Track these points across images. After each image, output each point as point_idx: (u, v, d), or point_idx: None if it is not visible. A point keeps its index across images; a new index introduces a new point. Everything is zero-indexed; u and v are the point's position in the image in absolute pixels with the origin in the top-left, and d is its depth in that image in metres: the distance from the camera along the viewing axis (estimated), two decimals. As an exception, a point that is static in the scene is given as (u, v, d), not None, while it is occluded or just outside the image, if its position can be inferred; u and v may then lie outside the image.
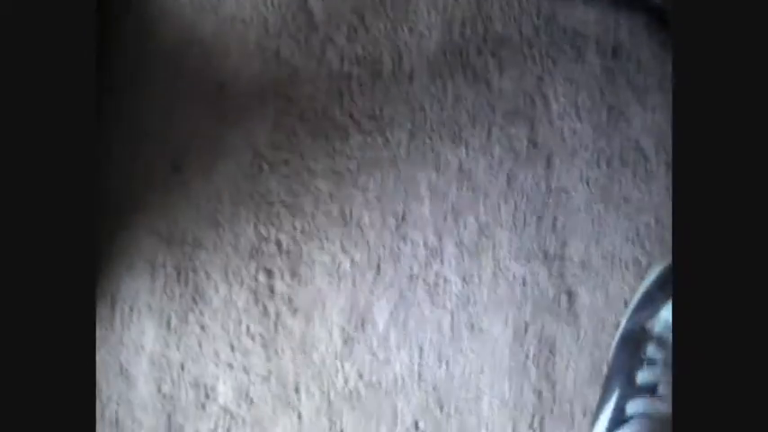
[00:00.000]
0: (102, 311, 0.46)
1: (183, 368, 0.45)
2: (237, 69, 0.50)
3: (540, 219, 0.45)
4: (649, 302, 0.40)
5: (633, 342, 0.39)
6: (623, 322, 0.41)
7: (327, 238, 0.46)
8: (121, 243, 0.48)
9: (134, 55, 0.51)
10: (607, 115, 0.46)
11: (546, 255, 0.44)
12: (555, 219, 0.45)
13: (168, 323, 0.46)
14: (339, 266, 0.46)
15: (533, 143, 0.46)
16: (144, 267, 0.47)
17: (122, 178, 0.49)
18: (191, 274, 0.47)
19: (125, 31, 0.51)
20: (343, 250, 0.46)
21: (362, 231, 0.46)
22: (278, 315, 0.45)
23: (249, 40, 0.50)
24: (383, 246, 0.45)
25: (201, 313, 0.46)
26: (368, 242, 0.46)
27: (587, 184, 0.45)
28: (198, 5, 0.51)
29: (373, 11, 0.49)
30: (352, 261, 0.46)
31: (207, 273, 0.46)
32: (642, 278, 0.42)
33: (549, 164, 0.45)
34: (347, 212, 0.46)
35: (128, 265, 0.47)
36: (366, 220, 0.46)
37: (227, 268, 0.46)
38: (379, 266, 0.45)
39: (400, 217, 0.46)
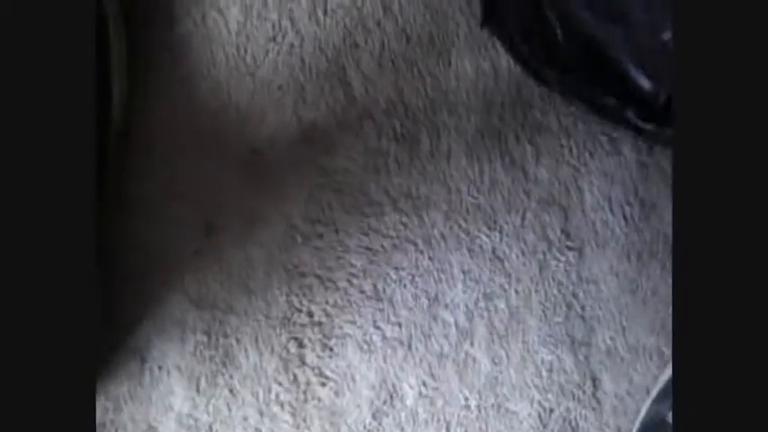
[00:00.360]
0: (131, 368, 0.63)
1: (211, 430, 0.62)
2: (273, 136, 0.68)
3: (569, 307, 0.63)
4: (670, 394, 0.57)
5: (652, 431, 0.57)
6: (644, 411, 0.58)
7: (360, 313, 0.64)
8: (151, 303, 0.65)
9: (167, 113, 0.69)
10: (639, 209, 0.65)
11: (573, 341, 0.62)
12: (583, 308, 0.63)
13: (197, 385, 0.63)
14: (370, 341, 0.63)
15: (566, 233, 0.64)
16: (174, 329, 0.64)
17: (155, 237, 0.67)
18: (221, 339, 0.64)
19: (157, 88, 0.69)
20: (375, 326, 0.64)
21: (395, 309, 0.64)
22: (308, 384, 0.62)
23: (286, 107, 0.69)
24: (415, 324, 0.63)
25: (231, 377, 0.63)
26: (400, 319, 0.63)
27: (617, 276, 0.63)
28: (234, 67, 0.70)
29: (413, 88, 0.68)
30: (384, 337, 0.63)
31: (237, 339, 0.64)
32: (664, 369, 0.60)
33: (580, 254, 0.64)
34: (380, 289, 0.64)
35: (157, 326, 0.64)
36: (399, 297, 0.64)
37: (257, 335, 0.64)
38: (410, 344, 0.63)
39: (433, 297, 0.64)
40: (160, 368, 0.65)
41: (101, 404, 0.66)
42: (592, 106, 0.63)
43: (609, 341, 0.63)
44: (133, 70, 0.71)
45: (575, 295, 0.64)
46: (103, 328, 0.67)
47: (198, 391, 0.64)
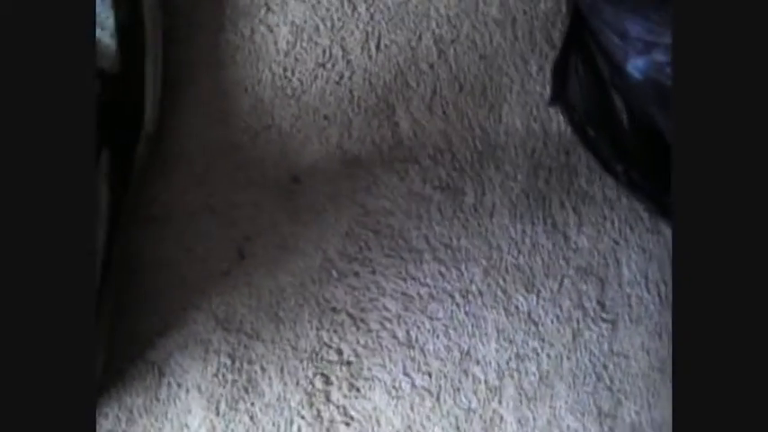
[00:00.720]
0: (148, 381, 0.82)
1: (234, 458, 0.81)
2: (315, 166, 0.89)
3: (598, 377, 0.86)
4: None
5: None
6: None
7: (390, 358, 0.85)
8: (174, 319, 0.84)
9: (205, 126, 0.89)
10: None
11: (600, 412, 0.85)
12: (612, 380, 0.86)
13: (217, 408, 0.83)
14: (399, 387, 0.84)
15: (602, 304, 0.87)
16: (197, 348, 0.84)
17: (182, 253, 0.86)
18: (245, 364, 0.84)
19: (196, 100, 0.88)
20: (405, 372, 0.85)
21: (426, 358, 0.85)
22: (331, 422, 0.83)
23: (330, 138, 0.90)
24: (445, 375, 0.85)
25: (252, 404, 0.83)
26: (430, 369, 0.85)
27: (647, 352, 0.86)
28: (279, 88, 0.91)
29: (461, 138, 0.90)
30: (413, 384, 0.84)
31: (262, 366, 0.84)
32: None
33: (614, 327, 0.87)
34: (413, 336, 0.86)
35: (179, 343, 0.84)
36: (431, 347, 0.85)
37: (283, 366, 0.84)
38: (438, 395, 0.84)
39: (465, 351, 0.85)
40: (179, 385, 0.84)
41: (113, 413, 0.84)
42: (655, 205, 0.86)
43: (634, 415, 0.86)
44: (172, 78, 0.91)
45: (605, 367, 0.86)
46: (117, 338, 0.85)
47: (217, 413, 0.83)
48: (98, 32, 0.86)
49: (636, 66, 0.79)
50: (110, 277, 0.86)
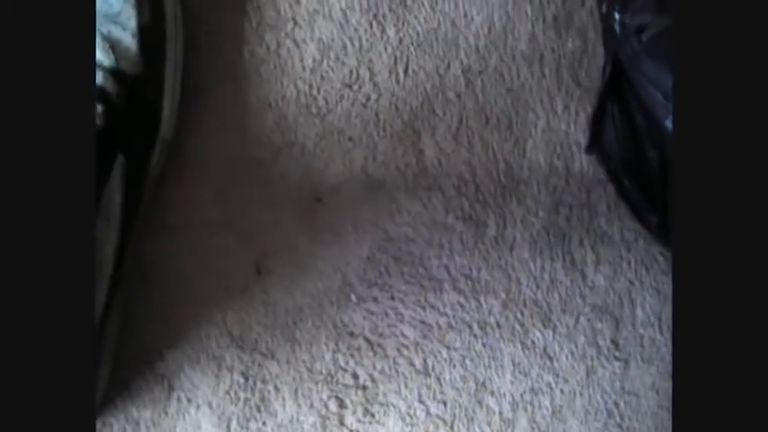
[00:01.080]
0: (156, 393, 0.84)
1: (250, 478, 0.83)
2: (338, 187, 0.92)
3: (609, 414, 0.90)
4: None
5: None
6: None
7: (406, 385, 0.88)
8: (186, 333, 0.87)
9: (227, 139, 0.91)
10: None
11: None
12: (622, 417, 0.90)
13: (228, 426, 0.85)
14: (414, 414, 0.87)
15: (615, 343, 0.91)
16: (209, 364, 0.86)
17: (198, 267, 0.88)
18: (258, 383, 0.86)
19: (219, 111, 0.91)
20: (420, 400, 0.88)
21: (442, 386, 0.88)
22: None
23: (355, 160, 0.93)
24: (459, 405, 0.88)
25: (264, 424, 0.85)
26: (446, 398, 0.88)
27: (657, 392, 0.90)
28: (304, 105, 0.94)
29: (486, 170, 0.94)
30: (428, 412, 0.87)
31: (276, 386, 0.86)
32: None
33: (626, 365, 0.91)
34: (430, 365, 0.89)
35: (191, 357, 0.86)
36: (447, 376, 0.88)
37: (297, 387, 0.87)
38: (452, 424, 0.87)
39: (481, 382, 0.89)
40: (189, 400, 0.86)
41: (119, 425, 0.86)
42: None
43: (644, 456, 0.90)
44: (193, 87, 0.93)
45: (616, 404, 0.90)
46: (125, 348, 0.87)
47: (228, 431, 0.85)
48: (119, 33, 0.88)
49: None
50: (120, 285, 0.87)
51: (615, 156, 0.92)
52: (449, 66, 0.95)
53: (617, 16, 0.86)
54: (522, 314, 0.91)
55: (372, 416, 0.88)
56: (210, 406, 0.86)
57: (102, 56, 0.85)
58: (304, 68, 0.94)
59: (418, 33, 0.95)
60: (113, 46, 0.86)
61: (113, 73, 0.85)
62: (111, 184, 0.83)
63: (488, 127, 0.94)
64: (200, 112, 0.93)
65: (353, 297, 0.89)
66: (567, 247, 0.93)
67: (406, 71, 0.95)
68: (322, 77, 0.94)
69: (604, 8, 0.88)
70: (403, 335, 0.89)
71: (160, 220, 0.91)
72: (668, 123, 0.85)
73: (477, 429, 0.88)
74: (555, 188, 0.94)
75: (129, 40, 0.88)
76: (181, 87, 0.92)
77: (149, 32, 0.90)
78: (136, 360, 0.88)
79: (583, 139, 0.93)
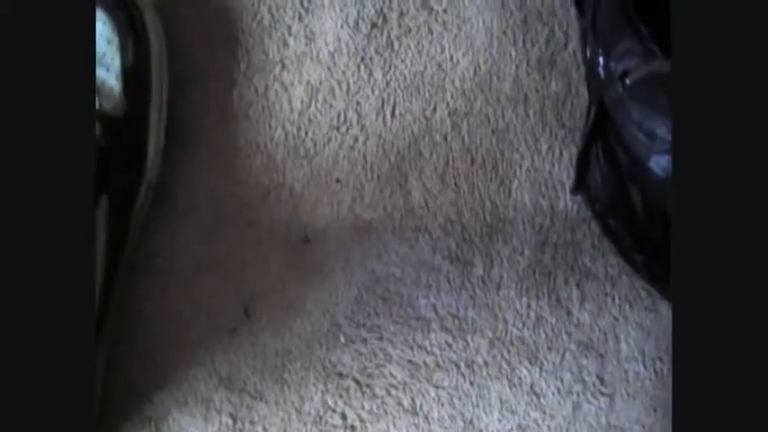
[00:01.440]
0: None
1: None
2: (326, 229, 0.93)
3: None
4: None
5: None
6: None
7: (395, 425, 0.88)
8: (174, 375, 0.87)
9: (215, 180, 0.92)
10: (670, 366, 0.93)
11: None
12: None
13: None
14: None
15: (601, 378, 0.92)
16: (198, 407, 0.86)
17: (186, 308, 0.89)
18: (247, 425, 0.87)
19: (207, 154, 0.92)
20: None
21: (430, 426, 0.89)
22: None
23: (342, 202, 0.94)
24: None
25: None
26: None
27: (643, 426, 0.91)
28: (292, 147, 0.95)
29: (472, 210, 0.95)
30: None
31: (265, 428, 0.87)
32: None
33: (611, 400, 0.91)
34: (418, 404, 0.89)
35: (179, 400, 0.86)
36: (435, 415, 0.89)
37: (286, 428, 0.87)
38: None
39: (468, 420, 0.89)
40: None
41: (106, 469, 0.86)
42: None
43: (630, 492, 0.90)
44: (181, 127, 0.94)
45: (603, 442, 0.91)
46: (112, 391, 0.87)
47: (220, 474, 0.86)
48: (104, 74, 0.89)
49: (658, 163, 0.84)
50: (105, 327, 0.88)
51: (600, 196, 0.93)
52: (435, 108, 0.96)
53: (601, 61, 0.87)
54: (509, 352, 0.91)
55: (361, 455, 0.88)
56: (200, 448, 0.87)
57: (87, 99, 0.85)
58: (292, 111, 0.96)
59: (405, 76, 0.96)
60: (98, 89, 0.87)
61: (97, 115, 0.85)
62: (95, 228, 0.83)
63: (474, 168, 0.95)
64: (187, 153, 0.94)
65: (342, 338, 0.90)
66: (553, 286, 0.94)
67: (393, 114, 0.96)
68: (310, 120, 0.96)
69: (588, 53, 0.90)
70: (391, 375, 0.90)
71: (148, 262, 0.91)
72: (651, 165, 0.86)
73: (465, 468, 0.89)
74: (540, 227, 0.95)
75: (112, 81, 0.89)
76: (167, 129, 0.93)
77: (134, 74, 0.91)
78: (123, 403, 0.88)
79: (567, 178, 0.94)
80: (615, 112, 0.89)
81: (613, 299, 0.95)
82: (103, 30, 0.90)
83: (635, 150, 0.88)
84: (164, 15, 0.97)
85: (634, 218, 0.92)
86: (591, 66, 0.92)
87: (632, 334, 0.94)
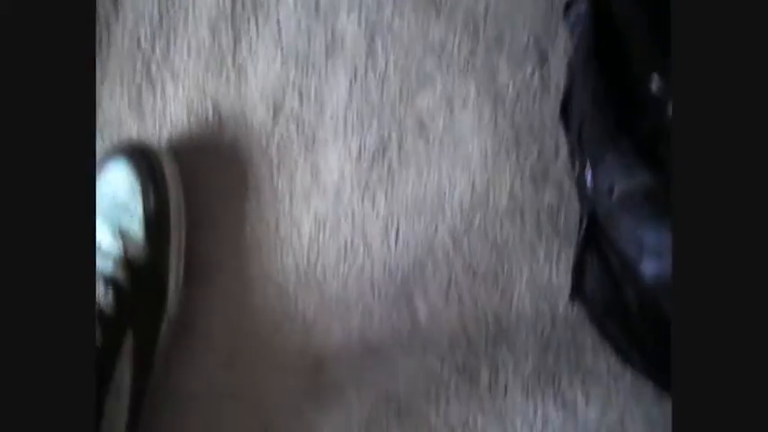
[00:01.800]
0: None
1: None
2: (338, 353, 0.99)
3: None
4: None
5: None
6: None
7: None
8: None
9: (231, 312, 0.98)
10: None
11: None
12: None
13: None
14: None
15: None
16: None
17: None
18: None
19: (223, 287, 0.98)
20: None
21: None
22: None
23: (352, 326, 1.00)
24: None
25: None
26: None
27: None
28: (303, 276, 1.00)
29: (476, 323, 1.00)
30: None
31: None
32: None
33: None
34: None
35: None
36: None
37: None
38: None
39: None
40: None
41: None
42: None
43: None
44: (198, 265, 1.01)
45: None
46: None
47: None
48: (128, 222, 0.96)
49: (648, 267, 0.88)
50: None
51: (596, 301, 0.97)
52: (436, 228, 1.02)
53: (588, 176, 0.92)
54: (520, 457, 0.96)
55: None
56: None
57: (111, 244, 0.93)
58: (301, 242, 1.02)
59: (406, 201, 1.03)
60: (123, 234, 0.94)
61: (122, 261, 0.93)
62: (121, 364, 0.90)
63: (476, 282, 1.01)
64: (206, 289, 1.01)
65: (359, 455, 0.95)
66: (558, 387, 0.98)
67: (396, 237, 1.02)
68: (319, 251, 1.02)
69: (577, 167, 0.95)
70: (408, 487, 0.95)
71: (170, 393, 0.98)
72: (642, 268, 0.90)
73: None
74: (542, 332, 1.00)
75: (136, 227, 0.97)
76: (186, 267, 1.00)
77: (154, 220, 0.98)
78: None
79: (565, 282, 0.99)
80: (606, 223, 0.94)
81: (618, 393, 0.99)
82: (126, 179, 0.97)
83: (627, 257, 0.93)
84: (180, 163, 1.04)
85: (630, 319, 0.97)
86: (580, 180, 0.98)
87: (639, 428, 0.98)
